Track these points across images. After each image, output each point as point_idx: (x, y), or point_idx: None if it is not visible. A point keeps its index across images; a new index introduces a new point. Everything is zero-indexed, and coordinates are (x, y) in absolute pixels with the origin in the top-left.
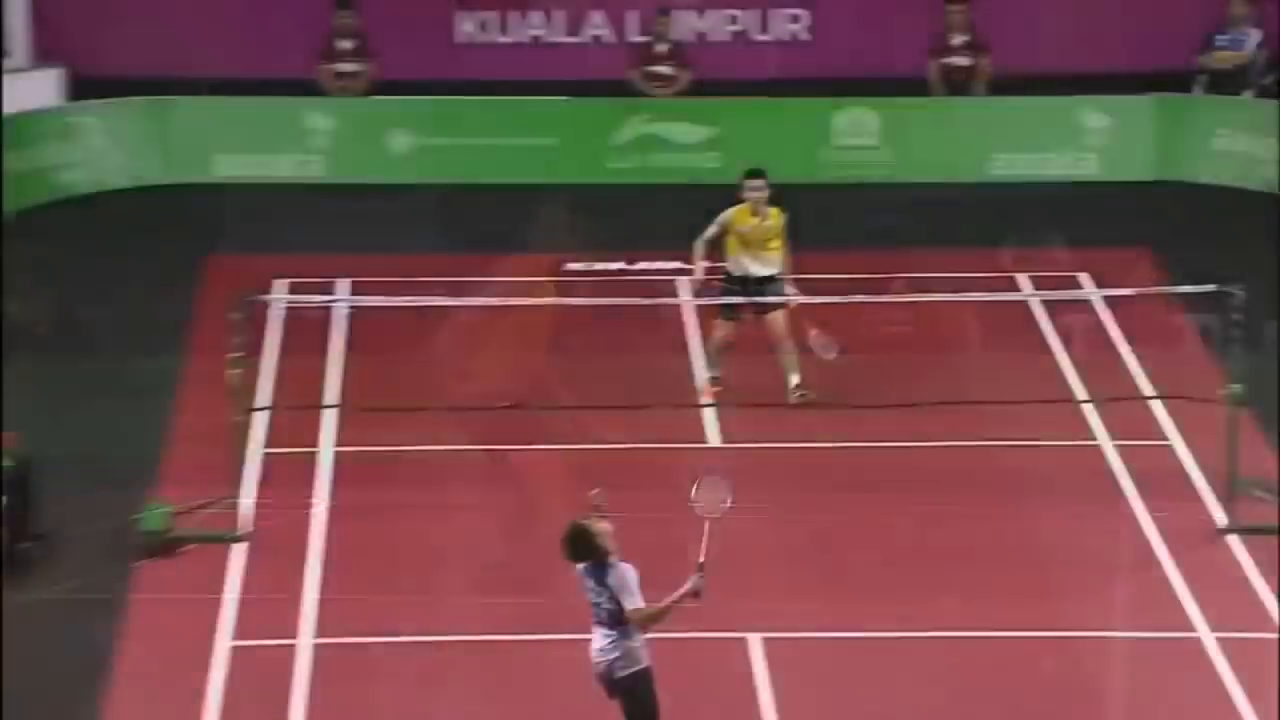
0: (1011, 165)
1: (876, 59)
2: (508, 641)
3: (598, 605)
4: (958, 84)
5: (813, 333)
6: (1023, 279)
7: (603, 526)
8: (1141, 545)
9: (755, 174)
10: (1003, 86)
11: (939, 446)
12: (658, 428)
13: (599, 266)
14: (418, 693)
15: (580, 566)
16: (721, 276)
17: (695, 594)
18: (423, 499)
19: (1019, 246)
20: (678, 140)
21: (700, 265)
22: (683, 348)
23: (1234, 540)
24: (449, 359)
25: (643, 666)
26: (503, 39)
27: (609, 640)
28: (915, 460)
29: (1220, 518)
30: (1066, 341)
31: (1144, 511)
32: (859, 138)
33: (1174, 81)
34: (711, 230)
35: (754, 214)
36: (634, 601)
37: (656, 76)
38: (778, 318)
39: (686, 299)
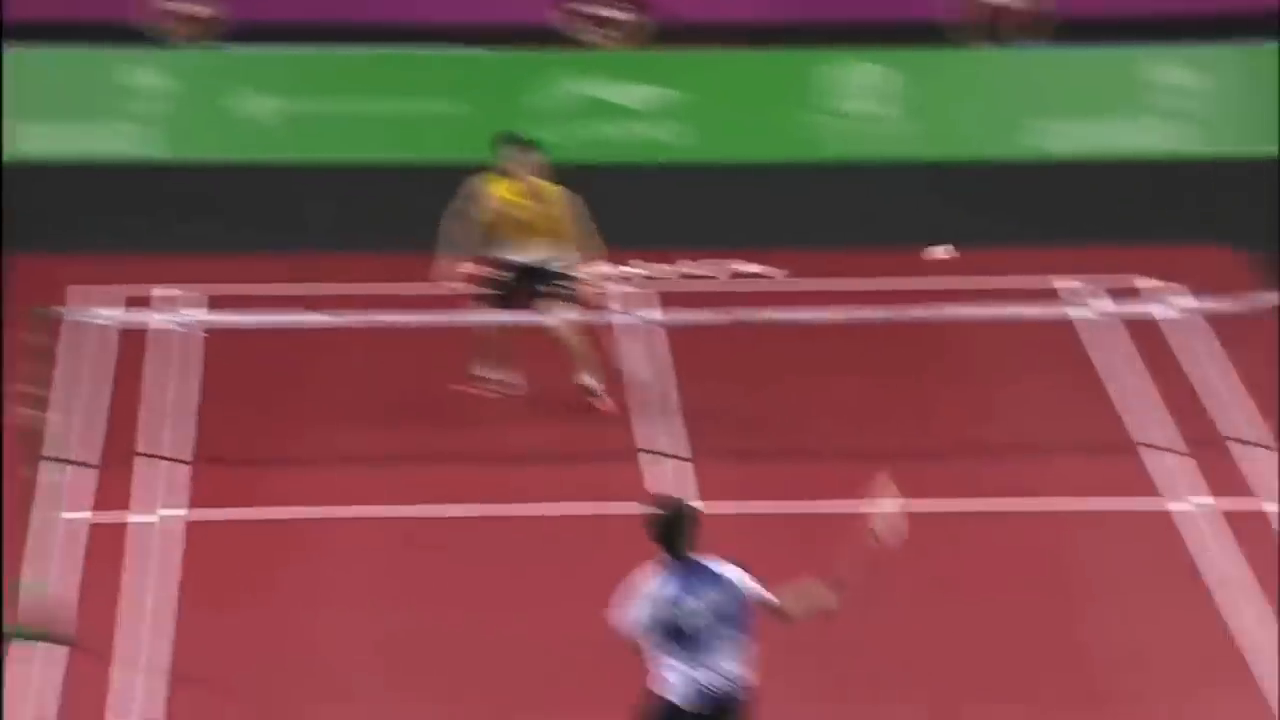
0: (1069, 136)
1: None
2: None
3: (696, 620)
4: (999, 30)
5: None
6: (1074, 285)
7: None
8: (1229, 652)
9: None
10: (1062, 33)
11: (956, 512)
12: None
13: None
14: None
15: (658, 581)
16: None
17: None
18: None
19: (1074, 244)
20: (625, 105)
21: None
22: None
23: None
24: (338, 391)
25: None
26: None
27: (735, 660)
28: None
29: None
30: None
31: (1229, 604)
32: (867, 101)
33: None
34: None
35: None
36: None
37: (599, 20)
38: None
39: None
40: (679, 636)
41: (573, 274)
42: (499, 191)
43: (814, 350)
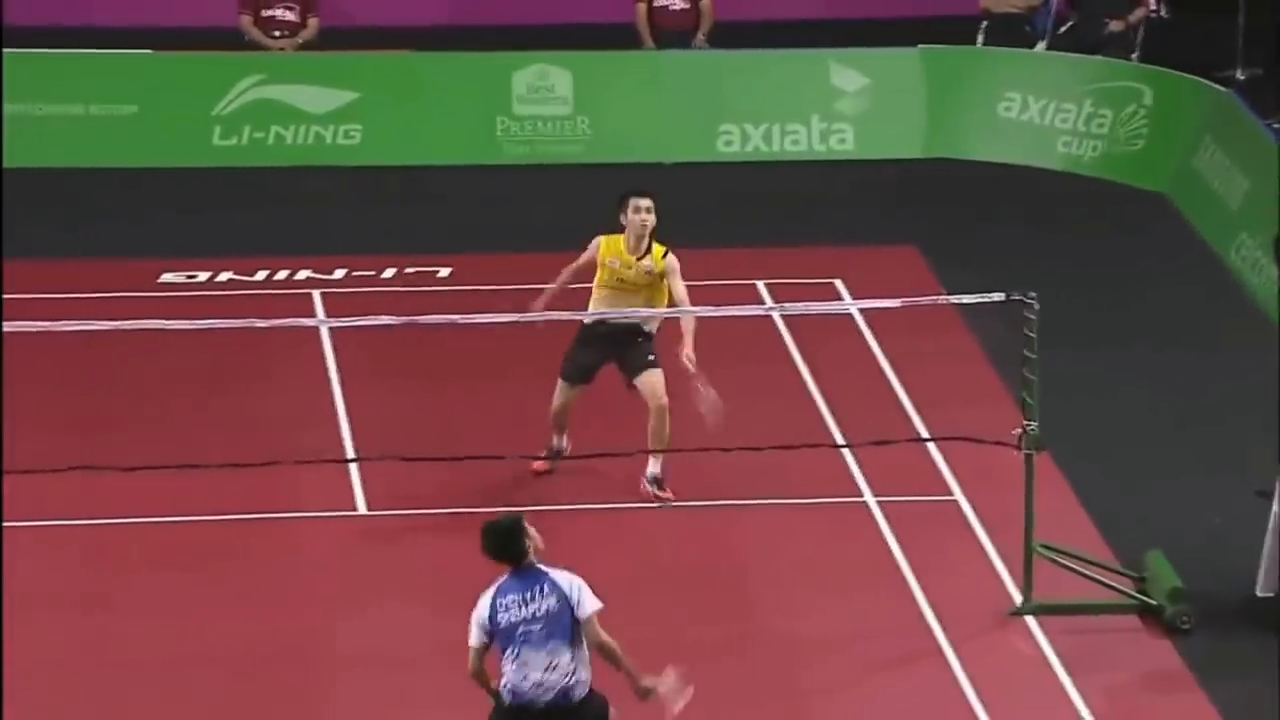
0: (744, 140)
1: (568, 2)
2: None
3: (532, 621)
4: (673, 35)
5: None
6: (760, 288)
7: (534, 531)
8: (919, 632)
9: (642, 194)
10: (730, 38)
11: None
12: (288, 491)
13: (203, 277)
14: None
15: (500, 584)
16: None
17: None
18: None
19: (752, 246)
20: (305, 109)
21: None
22: (323, 385)
23: (1032, 622)
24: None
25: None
26: None
27: (567, 657)
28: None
29: (1015, 596)
30: (817, 370)
31: (921, 589)
32: (547, 104)
33: (952, 32)
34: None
35: (631, 248)
36: (596, 604)
37: (275, 22)
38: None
39: (320, 320)
40: (515, 640)
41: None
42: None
43: (485, 352)
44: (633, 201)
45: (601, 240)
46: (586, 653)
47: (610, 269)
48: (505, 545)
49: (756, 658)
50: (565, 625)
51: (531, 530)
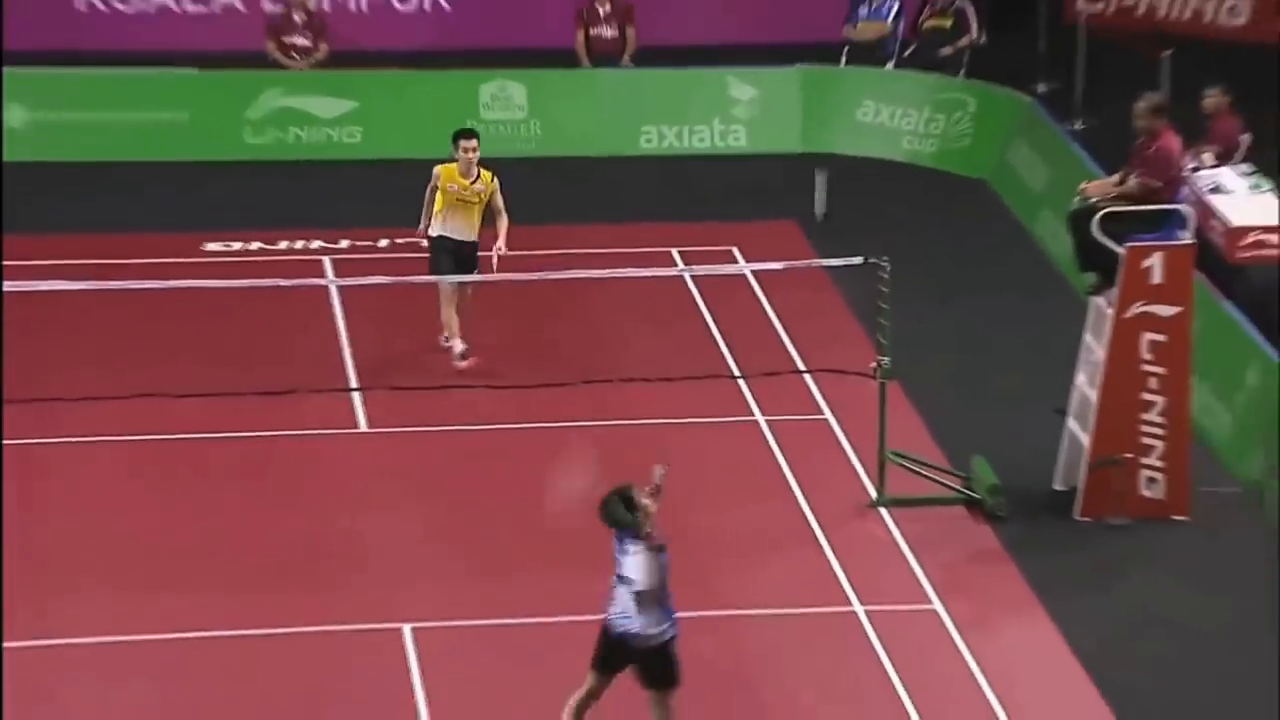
0: (661, 138)
1: (523, 30)
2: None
3: (630, 572)
4: (604, 56)
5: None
6: (674, 254)
7: (646, 503)
8: (797, 522)
9: (468, 134)
10: (650, 59)
11: (594, 425)
12: (306, 413)
13: (238, 246)
14: None
15: (617, 541)
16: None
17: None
18: None
19: (669, 221)
20: (317, 114)
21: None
22: (332, 332)
23: (884, 513)
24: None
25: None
26: (125, 7)
27: (652, 604)
28: (568, 440)
29: (872, 491)
30: (719, 319)
31: (800, 489)
32: (507, 110)
33: (822, 54)
34: (428, 189)
35: (464, 174)
36: (643, 581)
37: (293, 48)
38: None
39: (330, 280)
40: (622, 583)
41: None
42: (446, 171)
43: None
44: (462, 142)
45: (440, 170)
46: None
47: (450, 192)
48: (617, 518)
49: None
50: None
51: (642, 500)
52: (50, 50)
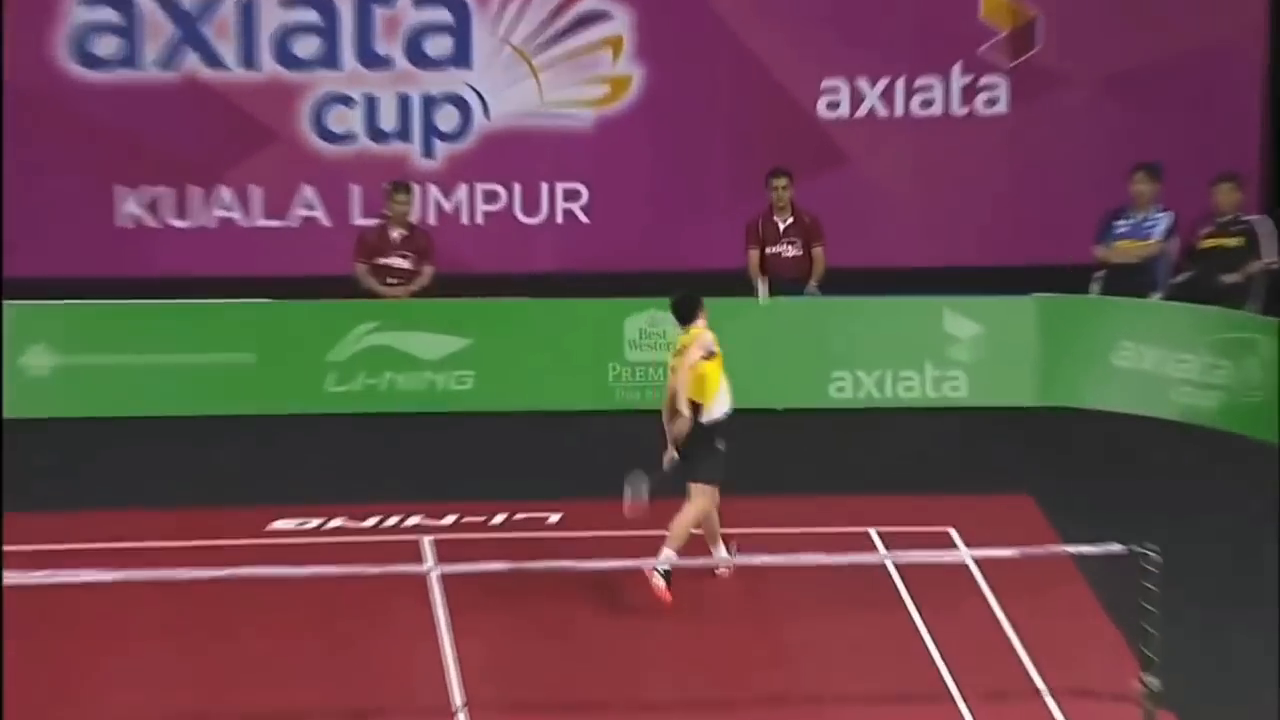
0: (857, 386)
1: (679, 248)
2: None
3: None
4: (784, 281)
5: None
6: (873, 535)
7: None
8: None
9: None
10: (841, 285)
11: None
12: None
13: (314, 524)
14: None
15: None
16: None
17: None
18: None
19: (866, 494)
20: (418, 355)
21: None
22: (431, 634)
23: None
24: None
25: None
26: (179, 222)
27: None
28: None
29: None
30: (930, 620)
31: None
32: (660, 351)
33: (1066, 280)
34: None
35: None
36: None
37: (390, 270)
38: None
39: (430, 566)
40: None
41: None
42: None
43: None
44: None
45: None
46: None
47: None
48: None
49: None
50: None
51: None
52: (84, 277)
